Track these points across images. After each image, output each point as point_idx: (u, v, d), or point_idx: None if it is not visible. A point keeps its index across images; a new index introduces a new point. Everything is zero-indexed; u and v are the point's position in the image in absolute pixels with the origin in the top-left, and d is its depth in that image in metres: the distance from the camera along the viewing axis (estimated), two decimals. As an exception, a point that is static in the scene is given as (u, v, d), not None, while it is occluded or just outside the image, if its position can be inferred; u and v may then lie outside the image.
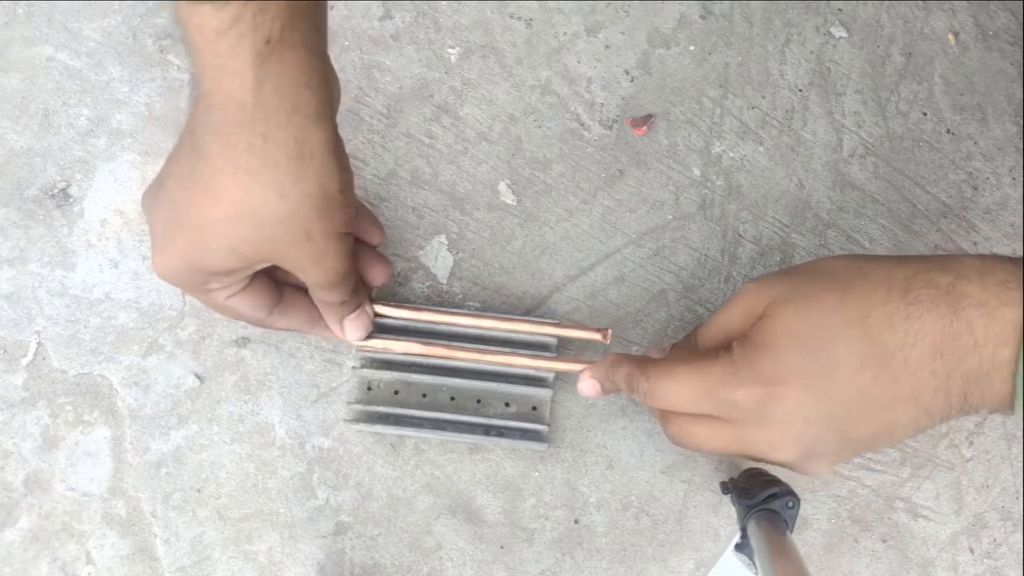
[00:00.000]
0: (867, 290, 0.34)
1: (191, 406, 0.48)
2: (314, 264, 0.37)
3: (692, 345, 0.41)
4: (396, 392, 0.47)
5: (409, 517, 0.48)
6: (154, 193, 0.38)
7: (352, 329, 0.44)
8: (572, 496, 0.49)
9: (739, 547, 0.46)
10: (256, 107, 0.31)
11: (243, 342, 0.48)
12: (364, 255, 0.44)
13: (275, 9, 0.30)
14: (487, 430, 0.47)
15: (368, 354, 0.47)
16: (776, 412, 0.34)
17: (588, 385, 0.42)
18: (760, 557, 0.40)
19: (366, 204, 0.47)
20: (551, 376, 0.47)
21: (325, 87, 0.34)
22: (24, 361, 0.47)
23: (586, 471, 0.49)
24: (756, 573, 0.42)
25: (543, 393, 0.47)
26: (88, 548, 0.46)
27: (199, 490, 0.47)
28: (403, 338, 0.46)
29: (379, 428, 0.46)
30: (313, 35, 0.33)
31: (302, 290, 0.43)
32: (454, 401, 0.47)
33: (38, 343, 0.47)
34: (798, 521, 0.44)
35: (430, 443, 0.49)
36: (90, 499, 0.47)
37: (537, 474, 0.49)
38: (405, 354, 0.46)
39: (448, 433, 0.46)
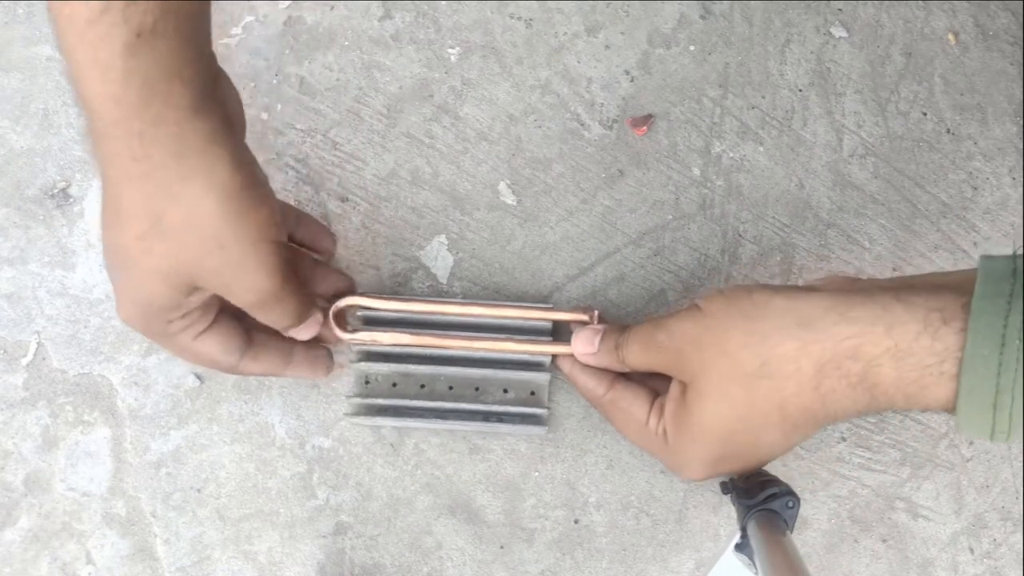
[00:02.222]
0: (777, 386, 0.35)
1: (191, 406, 0.48)
2: (235, 278, 0.35)
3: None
4: (394, 384, 0.47)
5: (409, 517, 0.48)
6: (103, 246, 0.37)
7: (306, 366, 0.43)
8: (572, 496, 0.49)
9: (739, 547, 0.46)
10: (128, 103, 0.30)
11: (243, 342, 0.48)
12: (317, 271, 0.43)
13: (146, 2, 0.29)
14: (487, 416, 0.47)
15: (364, 347, 0.47)
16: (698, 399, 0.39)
17: (584, 338, 0.44)
18: (760, 557, 0.40)
19: (310, 212, 0.46)
20: (548, 360, 0.47)
21: (202, 78, 0.32)
22: (24, 361, 0.47)
23: (586, 471, 0.49)
24: (756, 573, 0.42)
25: (541, 377, 0.47)
26: (88, 548, 0.46)
27: (199, 490, 0.47)
28: (392, 329, 0.46)
29: (379, 420, 0.46)
30: (187, 25, 0.31)
31: (272, 332, 0.42)
32: (452, 390, 0.47)
33: (38, 343, 0.47)
34: (798, 521, 0.44)
35: (430, 443, 0.49)
36: (90, 499, 0.47)
37: (537, 474, 0.49)
38: (395, 345, 0.46)
39: (448, 422, 0.47)
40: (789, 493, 0.44)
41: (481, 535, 0.49)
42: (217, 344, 0.39)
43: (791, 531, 0.43)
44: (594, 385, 0.44)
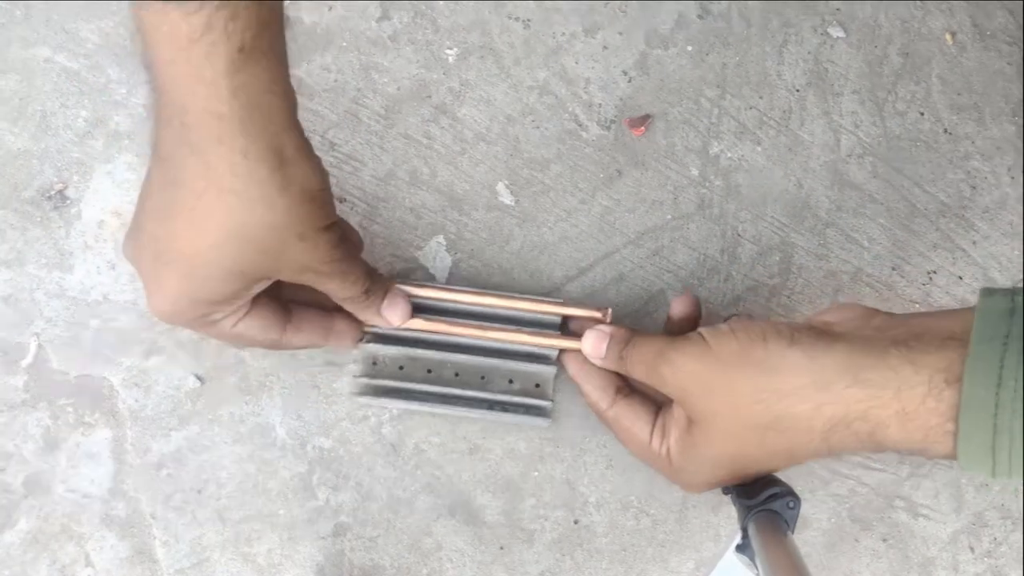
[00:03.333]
0: (787, 438, 0.36)
1: (192, 407, 0.48)
2: (317, 261, 0.37)
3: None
4: (401, 367, 0.47)
5: (409, 518, 0.48)
6: (134, 238, 0.37)
7: (393, 314, 0.44)
8: (572, 496, 0.49)
9: (740, 548, 0.46)
10: (233, 119, 0.31)
11: (242, 343, 0.48)
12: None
13: (246, 17, 0.29)
14: (491, 405, 0.47)
15: (374, 329, 0.47)
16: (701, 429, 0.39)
17: (593, 341, 0.44)
18: (761, 558, 0.40)
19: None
20: (555, 353, 0.47)
21: (290, 91, 0.34)
22: (24, 363, 0.47)
23: (586, 471, 0.49)
24: (757, 574, 0.42)
25: (547, 370, 0.47)
26: (87, 550, 0.46)
27: (199, 491, 0.47)
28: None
29: (384, 402, 0.47)
30: (278, 41, 0.32)
31: (308, 304, 0.43)
32: (459, 377, 0.47)
33: (38, 345, 0.47)
34: (798, 520, 0.44)
35: (430, 443, 0.49)
36: (90, 500, 0.47)
37: (537, 474, 0.49)
38: (408, 329, 0.46)
39: (452, 407, 0.47)
40: (790, 494, 0.44)
41: (481, 536, 0.49)
42: (260, 324, 0.40)
43: (792, 531, 0.43)
44: (597, 398, 0.45)
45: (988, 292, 0.32)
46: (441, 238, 0.50)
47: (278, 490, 0.48)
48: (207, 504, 0.47)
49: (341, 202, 0.50)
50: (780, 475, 0.47)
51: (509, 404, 0.47)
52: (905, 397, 0.32)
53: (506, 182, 0.51)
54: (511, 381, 0.48)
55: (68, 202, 0.48)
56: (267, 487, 0.48)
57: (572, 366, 0.46)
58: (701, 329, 0.39)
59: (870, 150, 0.54)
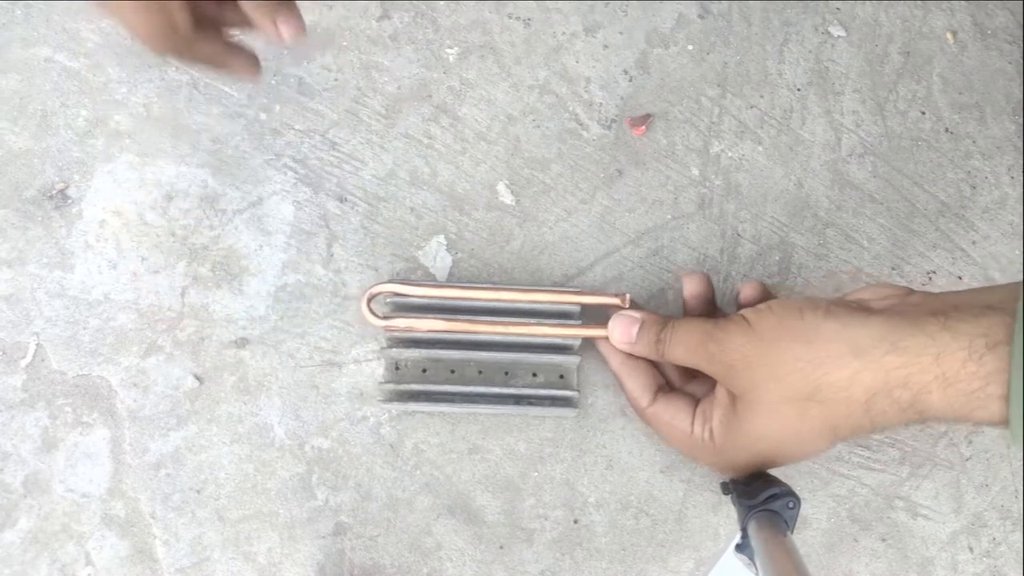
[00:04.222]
0: (829, 410, 0.36)
1: (190, 407, 0.48)
2: None
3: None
4: (424, 370, 0.47)
5: (409, 517, 0.48)
6: None
7: (287, 27, 0.39)
8: (571, 496, 0.49)
9: (740, 547, 0.46)
10: None
11: (242, 343, 0.48)
12: None
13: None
14: (517, 400, 0.47)
15: (394, 334, 0.47)
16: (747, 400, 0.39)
17: (622, 326, 0.44)
18: (761, 558, 0.40)
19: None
20: (577, 343, 0.48)
21: None
22: (23, 362, 0.47)
23: (586, 471, 0.49)
24: (756, 574, 0.42)
25: (570, 360, 0.47)
26: (87, 549, 0.46)
27: (198, 491, 0.47)
28: (426, 316, 0.46)
29: (411, 406, 0.47)
30: None
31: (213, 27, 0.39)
32: (482, 375, 0.48)
33: (37, 344, 0.47)
34: (798, 520, 0.44)
35: (429, 444, 0.49)
36: (89, 500, 0.47)
37: (536, 474, 0.49)
38: (430, 331, 0.46)
39: (479, 406, 0.47)
40: (790, 494, 0.44)
41: (481, 535, 0.49)
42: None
43: (792, 531, 0.43)
44: (639, 395, 0.45)
45: None
46: (442, 237, 0.50)
47: (277, 490, 0.48)
48: (206, 504, 0.47)
49: (342, 201, 0.50)
50: (780, 475, 0.47)
51: (535, 397, 0.47)
52: (945, 362, 0.32)
53: (506, 181, 0.51)
54: (535, 374, 0.48)
55: (69, 201, 0.48)
56: (266, 487, 0.48)
57: (615, 361, 0.46)
58: (743, 311, 0.40)
59: (871, 149, 0.54)
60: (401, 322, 0.46)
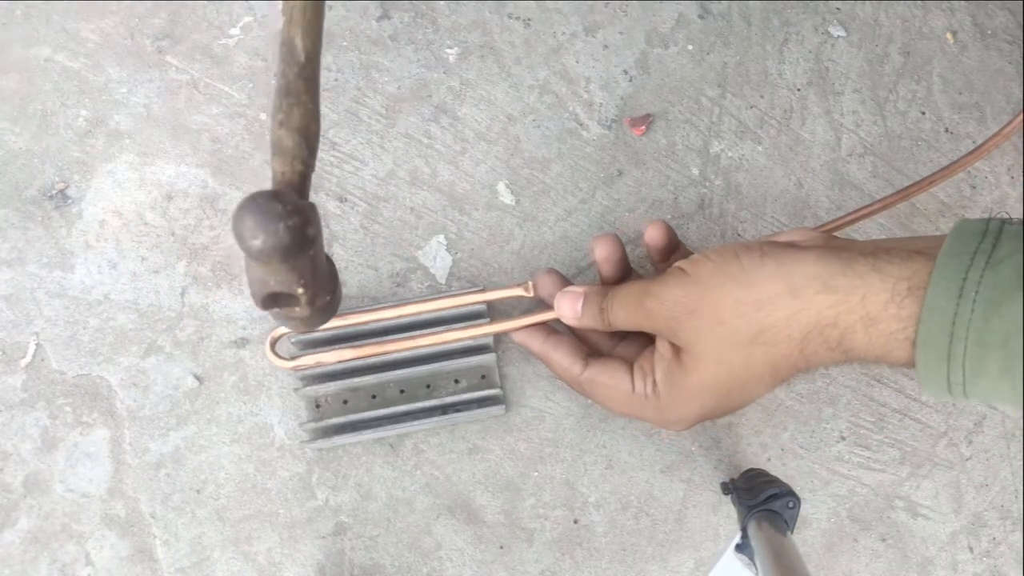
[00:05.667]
0: (770, 351, 0.37)
1: (190, 407, 0.48)
2: None
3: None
4: (345, 401, 0.47)
5: (408, 517, 0.48)
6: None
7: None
8: (571, 496, 0.49)
9: (740, 547, 0.46)
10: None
11: (242, 343, 0.48)
12: None
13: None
14: (444, 410, 0.47)
15: (306, 372, 0.47)
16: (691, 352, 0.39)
17: (567, 302, 0.44)
18: (761, 557, 0.40)
19: None
20: (491, 341, 0.47)
21: None
22: (23, 362, 0.47)
23: (585, 471, 0.49)
24: (756, 573, 0.42)
25: (488, 359, 0.47)
26: (87, 549, 0.46)
27: (198, 491, 0.47)
28: (333, 348, 0.46)
29: (337, 440, 0.46)
30: None
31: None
32: (404, 393, 0.47)
33: (37, 344, 0.47)
34: (798, 520, 0.44)
35: (429, 443, 0.49)
36: (89, 500, 0.47)
37: (536, 474, 0.49)
38: (339, 362, 0.45)
39: (407, 424, 0.46)
40: (790, 494, 0.44)
41: (481, 535, 0.49)
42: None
43: (791, 531, 0.43)
44: (569, 364, 0.44)
45: (965, 220, 0.33)
46: (441, 237, 0.50)
47: (277, 490, 0.48)
48: (206, 504, 0.47)
49: (342, 201, 0.50)
50: (780, 475, 0.47)
51: (461, 403, 0.47)
52: (870, 303, 0.33)
53: (506, 181, 0.51)
54: (457, 381, 0.48)
55: (69, 201, 0.48)
56: (266, 487, 0.48)
57: (534, 342, 0.46)
58: (679, 263, 0.40)
59: (871, 149, 0.54)
60: (309, 359, 0.45)
